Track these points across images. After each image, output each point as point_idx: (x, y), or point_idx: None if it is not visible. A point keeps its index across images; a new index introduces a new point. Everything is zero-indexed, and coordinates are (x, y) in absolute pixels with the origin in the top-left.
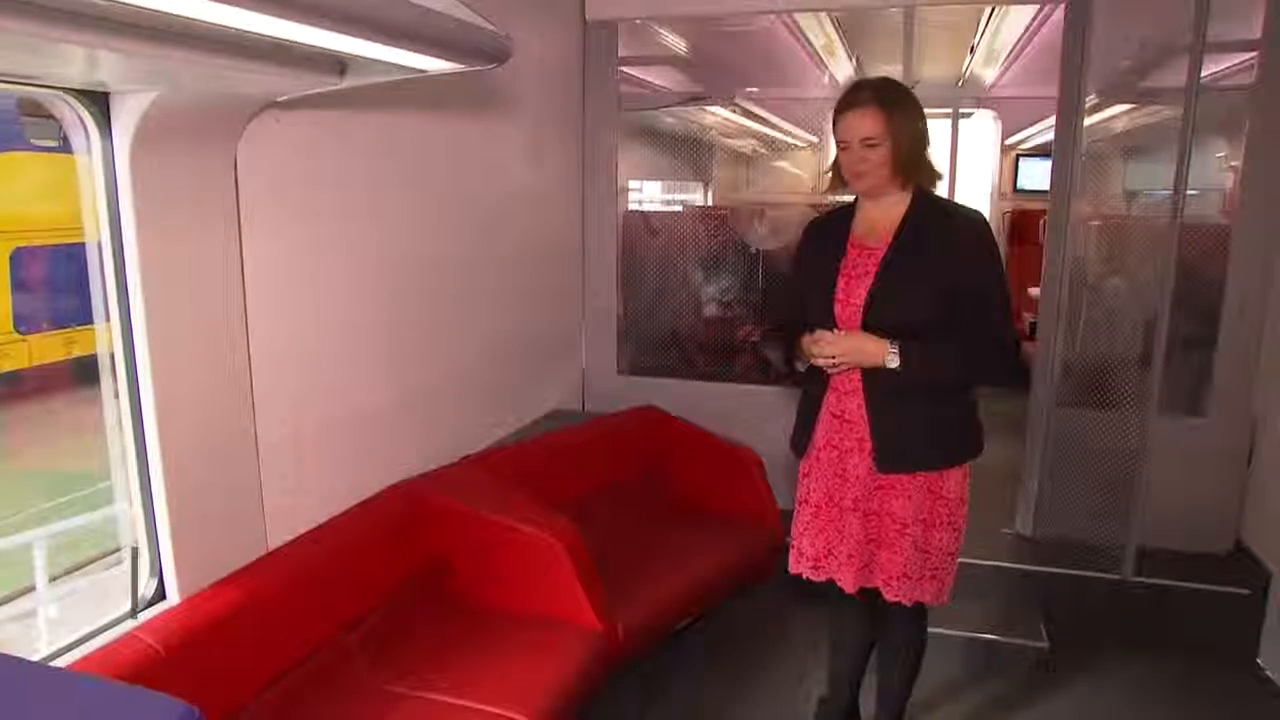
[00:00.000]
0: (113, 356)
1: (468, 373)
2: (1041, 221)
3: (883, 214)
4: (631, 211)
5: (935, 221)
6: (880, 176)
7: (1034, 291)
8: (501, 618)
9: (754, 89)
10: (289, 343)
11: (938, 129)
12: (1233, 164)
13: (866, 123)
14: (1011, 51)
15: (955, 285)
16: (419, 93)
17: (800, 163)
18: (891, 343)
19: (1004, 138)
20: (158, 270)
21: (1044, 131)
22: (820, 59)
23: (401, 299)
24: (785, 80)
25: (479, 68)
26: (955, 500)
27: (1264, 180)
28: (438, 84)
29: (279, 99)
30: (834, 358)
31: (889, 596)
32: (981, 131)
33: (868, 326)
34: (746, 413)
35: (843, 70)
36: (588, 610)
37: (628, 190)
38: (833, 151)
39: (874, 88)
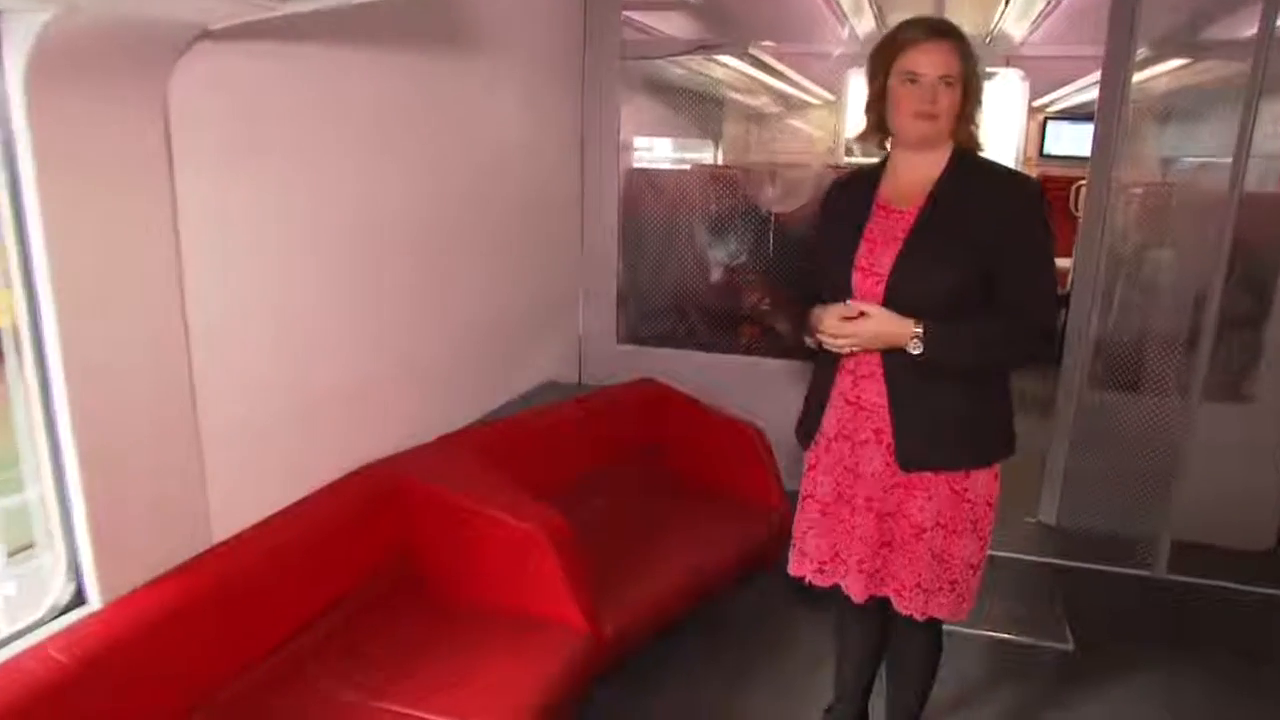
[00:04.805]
0: (15, 327)
1: (453, 343)
2: (1074, 188)
3: (917, 174)
4: (635, 169)
5: (977, 183)
6: (949, 122)
7: (1061, 263)
8: (477, 616)
9: (770, 42)
10: (241, 313)
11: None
12: None
13: (950, 58)
14: (1045, 6)
15: (996, 258)
16: (395, 31)
17: (816, 121)
18: (916, 322)
19: (1031, 99)
20: (67, 228)
21: (1075, 93)
22: (841, 10)
23: (377, 263)
24: (803, 33)
25: None
26: (982, 504)
27: None
28: (418, 22)
29: (212, 28)
30: (845, 341)
31: (901, 609)
32: (1008, 92)
33: (889, 300)
34: (753, 386)
35: (865, 25)
36: (573, 609)
37: (631, 146)
38: (851, 109)
39: (948, 23)
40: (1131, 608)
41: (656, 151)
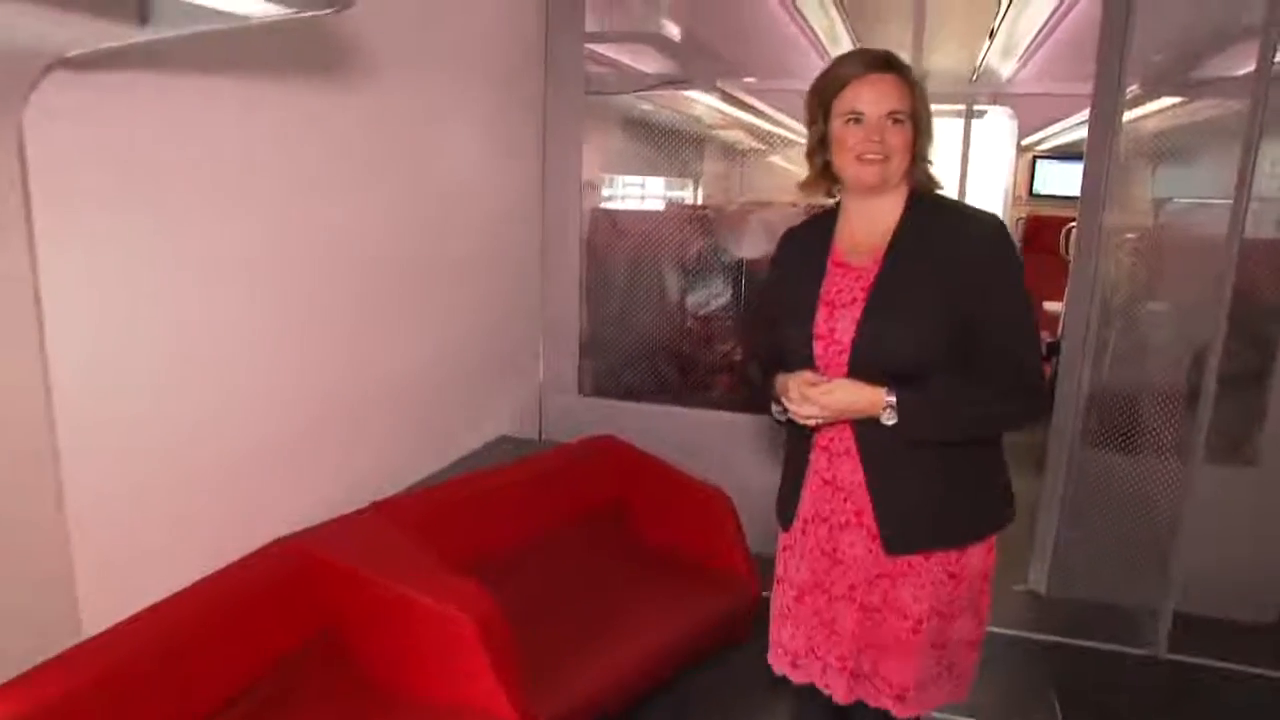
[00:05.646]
0: None
1: (394, 396)
2: (1065, 230)
3: (874, 224)
4: (600, 210)
5: (938, 228)
6: (902, 163)
7: (1051, 307)
8: (401, 707)
9: (749, 79)
10: (123, 371)
11: (948, 127)
12: None
13: (897, 92)
14: (1032, 42)
15: (967, 312)
16: (318, 61)
17: (800, 159)
18: (888, 390)
19: (1020, 137)
20: None
21: (1064, 131)
22: (822, 45)
23: (302, 310)
24: (782, 68)
25: (311, 13)
26: (978, 578)
27: None
28: (348, 52)
29: (70, 54)
30: (811, 413)
31: (899, 714)
32: (996, 130)
33: (855, 371)
34: (725, 444)
35: None
36: (502, 701)
37: (597, 185)
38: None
39: (889, 56)
40: (1129, 691)
41: (629, 190)
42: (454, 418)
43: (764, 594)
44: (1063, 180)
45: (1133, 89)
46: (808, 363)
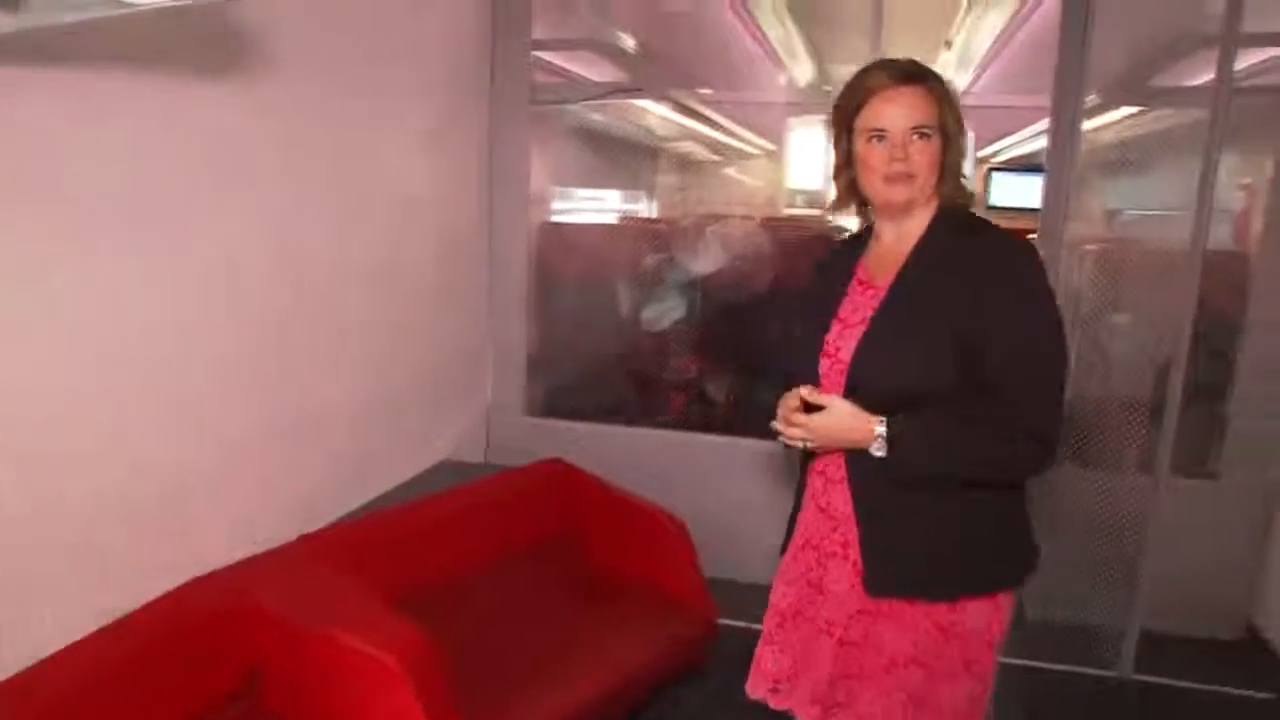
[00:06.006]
0: None
1: (328, 419)
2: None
3: (898, 241)
4: (549, 223)
5: (955, 251)
6: (930, 180)
7: None
8: None
9: (705, 90)
10: (22, 391)
11: None
12: (1244, 181)
13: (923, 104)
14: (987, 54)
15: (973, 339)
16: (237, 66)
17: (756, 172)
18: (880, 420)
19: (977, 149)
20: None
21: (1019, 143)
22: (777, 56)
23: (223, 329)
24: (738, 80)
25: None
26: (978, 641)
27: None
28: (274, 56)
29: None
30: (797, 434)
31: None
32: None
33: (851, 391)
34: (680, 465)
35: (804, 72)
36: None
37: (547, 198)
38: (793, 159)
39: (916, 65)
40: (1095, 713)
41: (580, 204)
42: (394, 441)
43: (721, 621)
44: (1018, 192)
45: (1092, 98)
46: (814, 380)
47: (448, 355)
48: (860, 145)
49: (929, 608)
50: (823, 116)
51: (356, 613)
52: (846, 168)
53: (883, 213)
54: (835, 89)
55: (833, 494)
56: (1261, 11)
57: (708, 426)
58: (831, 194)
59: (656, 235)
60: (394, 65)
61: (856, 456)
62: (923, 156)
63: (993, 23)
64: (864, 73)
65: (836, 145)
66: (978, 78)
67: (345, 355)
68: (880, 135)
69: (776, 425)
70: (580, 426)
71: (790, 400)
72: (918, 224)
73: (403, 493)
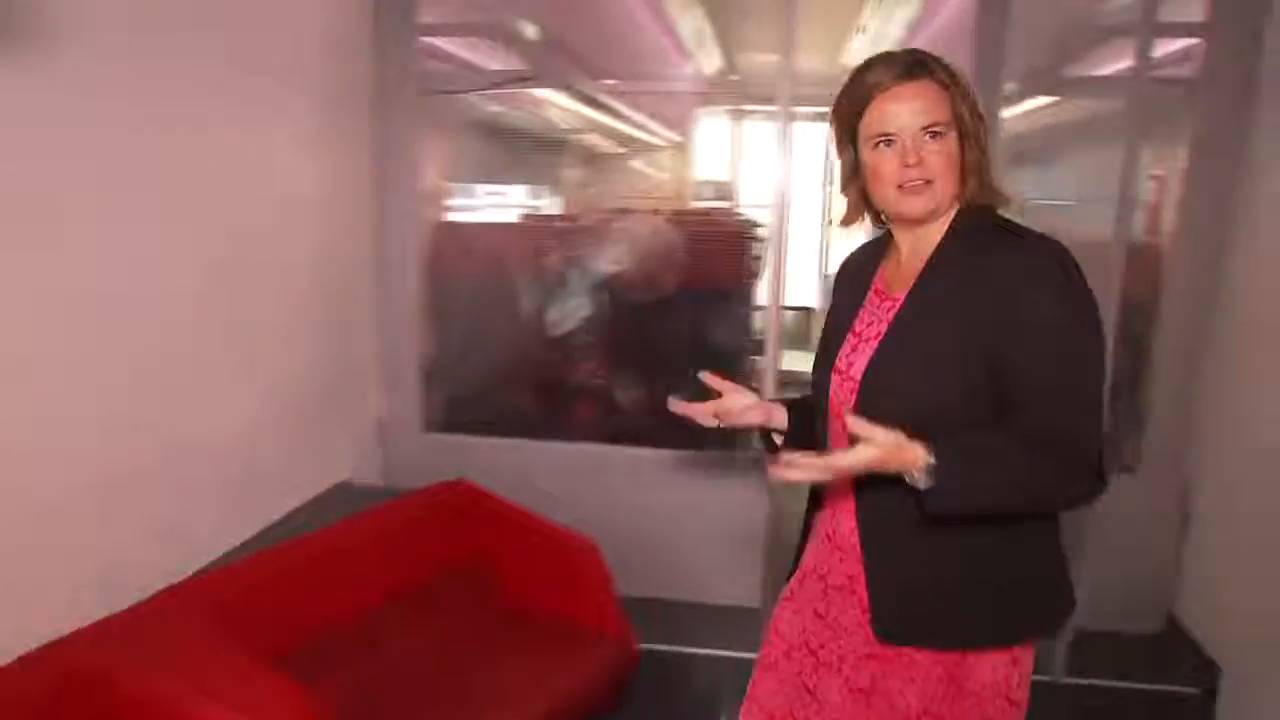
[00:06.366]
0: None
1: (203, 450)
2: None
3: (918, 245)
4: (444, 223)
5: (975, 257)
6: (950, 183)
7: None
8: None
9: (610, 80)
10: None
11: (813, 131)
12: (1154, 173)
13: (933, 99)
14: (899, 43)
15: (994, 358)
16: (59, 58)
17: (664, 165)
18: (927, 448)
19: None
20: None
21: None
22: (683, 44)
23: (74, 353)
24: (641, 68)
25: None
26: (995, 697)
27: (1209, 193)
28: (109, 51)
29: None
30: (800, 474)
31: None
32: None
33: (864, 412)
34: (592, 481)
35: (712, 61)
36: None
37: (441, 196)
38: (700, 151)
39: (919, 55)
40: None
41: (478, 201)
42: (279, 468)
43: (644, 646)
44: None
45: (1009, 87)
46: (824, 397)
47: (337, 370)
48: (867, 153)
49: (940, 655)
50: (729, 106)
51: (226, 677)
52: (855, 177)
53: (899, 223)
54: (743, 78)
55: (841, 520)
56: (1176, 1)
57: (620, 436)
58: (839, 206)
59: (561, 232)
60: (262, 55)
61: (866, 481)
62: (938, 158)
63: (906, 10)
64: (861, 70)
65: (841, 153)
66: None
67: (220, 377)
68: (888, 140)
69: (773, 464)
70: (484, 441)
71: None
72: (937, 229)
73: (290, 524)
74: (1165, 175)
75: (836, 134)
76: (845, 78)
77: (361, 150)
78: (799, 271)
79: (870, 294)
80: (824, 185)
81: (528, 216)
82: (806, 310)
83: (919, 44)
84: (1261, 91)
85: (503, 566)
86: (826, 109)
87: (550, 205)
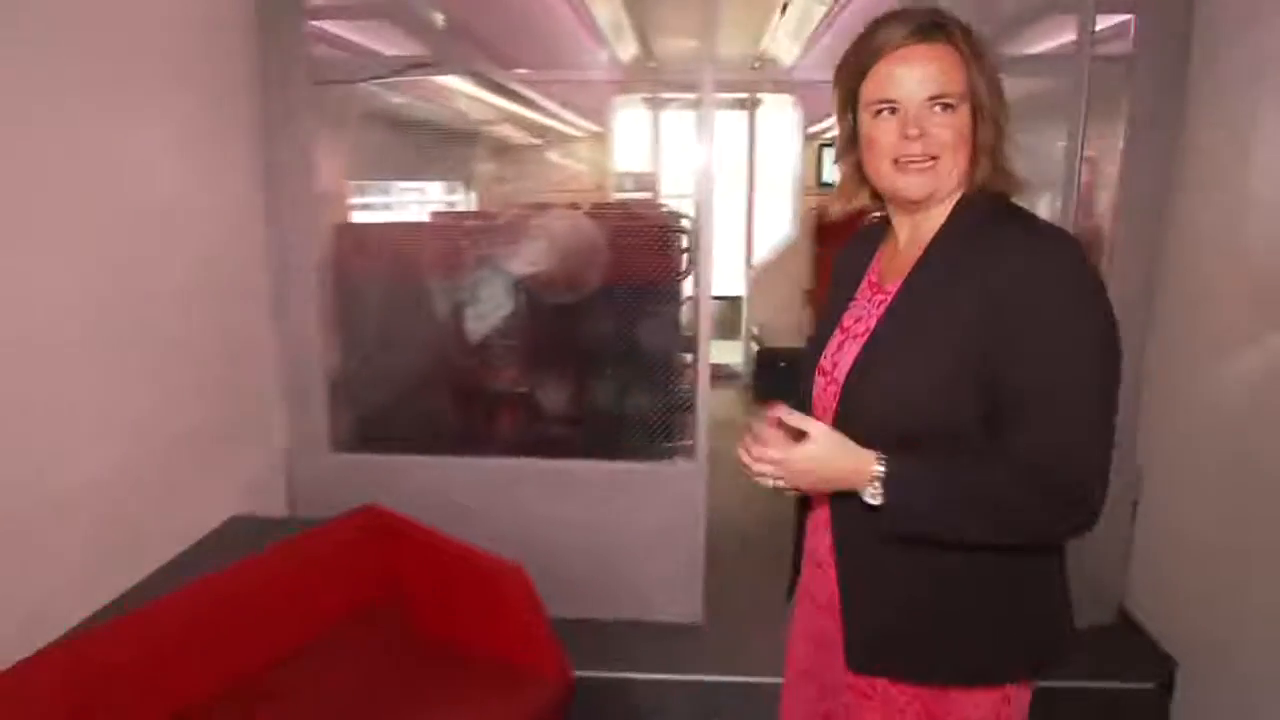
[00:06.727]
0: None
1: (72, 491)
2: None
3: (915, 232)
4: (346, 225)
5: (976, 249)
6: (958, 163)
7: None
8: None
9: (522, 69)
10: None
11: (731, 119)
12: (1087, 154)
13: (945, 66)
14: (817, 29)
15: (994, 363)
16: None
17: (582, 156)
18: (880, 459)
19: (807, 126)
20: None
21: None
22: (599, 32)
23: None
24: (554, 56)
25: None
26: None
27: (1148, 177)
28: None
29: None
30: (765, 470)
31: None
32: (780, 120)
33: (845, 419)
34: (516, 497)
35: (628, 49)
36: None
37: (343, 196)
38: (619, 141)
39: (939, 15)
40: None
41: (388, 199)
42: (165, 504)
43: (579, 674)
44: None
45: None
46: (806, 402)
47: (231, 391)
48: (866, 121)
49: (916, 689)
50: (648, 95)
51: None
52: (851, 148)
53: (896, 206)
54: (661, 65)
55: (820, 539)
56: None
57: (545, 447)
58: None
59: (475, 231)
60: (128, 42)
61: (842, 497)
62: (945, 132)
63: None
64: (873, 25)
65: (840, 121)
66: (807, 51)
67: (85, 417)
68: (891, 106)
69: (741, 455)
70: (399, 460)
71: (763, 425)
72: (939, 214)
73: (181, 566)
74: (1097, 156)
75: (838, 99)
76: (756, 62)
77: (250, 147)
78: (725, 261)
79: (864, 285)
80: (747, 174)
81: (440, 214)
82: (734, 300)
83: (832, 34)
84: (1194, 65)
85: (422, 599)
86: (747, 95)
87: (464, 202)
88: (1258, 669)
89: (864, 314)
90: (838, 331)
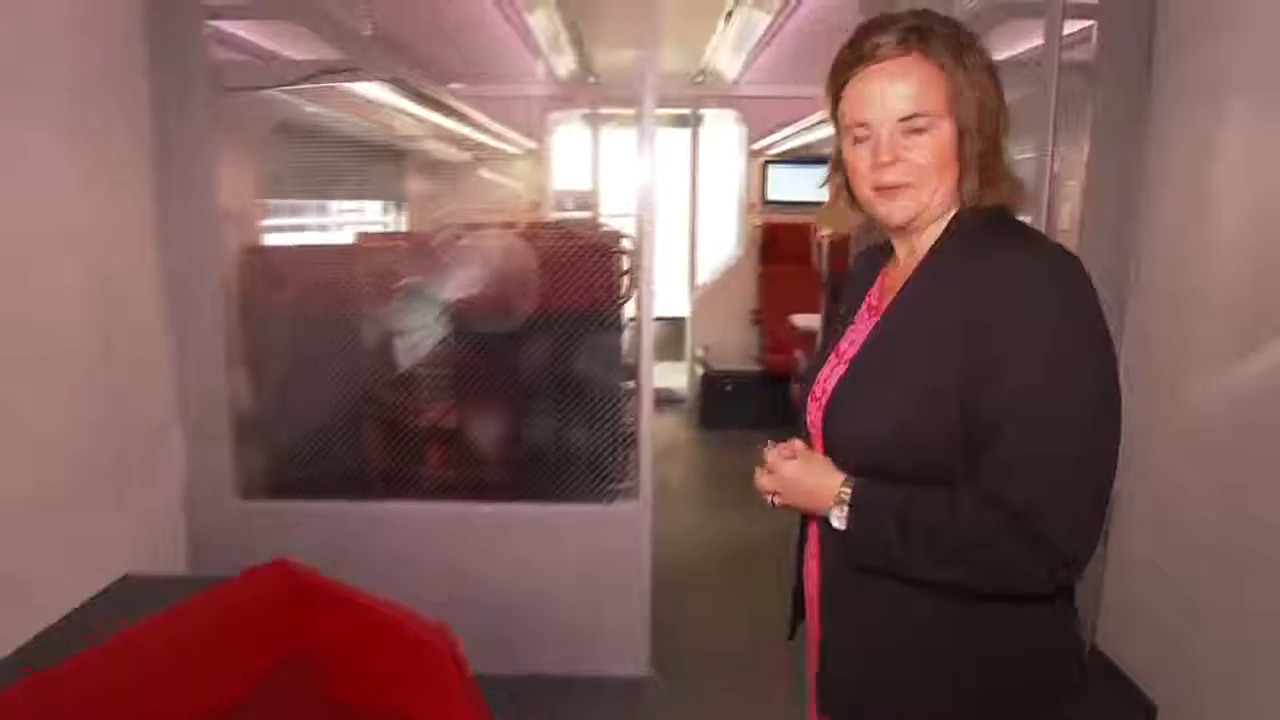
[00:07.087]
0: None
1: None
2: (818, 240)
3: (910, 257)
4: (253, 249)
5: (963, 269)
6: (939, 180)
7: (800, 320)
8: None
9: (457, 85)
10: None
11: (674, 136)
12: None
13: (916, 81)
14: (758, 43)
15: (977, 395)
16: None
17: (518, 174)
18: (848, 480)
19: (751, 142)
20: None
21: (797, 135)
22: (536, 44)
23: None
24: (486, 67)
25: None
26: None
27: (1113, 185)
28: None
29: None
30: (767, 485)
31: None
32: (723, 136)
33: (829, 445)
34: (445, 544)
35: (565, 63)
36: None
37: (251, 217)
38: (557, 158)
39: (916, 19)
40: None
41: (304, 220)
42: (40, 566)
43: None
44: (796, 185)
45: None
46: (803, 425)
47: (121, 434)
48: (847, 147)
49: None
50: (587, 110)
51: None
52: (838, 167)
53: (885, 228)
54: (600, 80)
55: (810, 569)
56: None
57: (478, 489)
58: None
59: (402, 253)
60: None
61: (827, 526)
62: (921, 155)
63: (759, 14)
64: (853, 36)
65: (835, 134)
66: (748, 66)
67: None
68: (861, 131)
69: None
70: (314, 506)
71: (775, 452)
72: (934, 233)
73: (57, 639)
74: (1060, 166)
75: (829, 113)
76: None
77: (141, 161)
78: (669, 282)
79: (863, 308)
80: (690, 191)
81: (366, 236)
82: (677, 321)
83: (774, 48)
84: (1155, 73)
85: (339, 664)
86: (689, 111)
87: (395, 222)
88: (1248, 716)
89: (858, 335)
90: (833, 357)
